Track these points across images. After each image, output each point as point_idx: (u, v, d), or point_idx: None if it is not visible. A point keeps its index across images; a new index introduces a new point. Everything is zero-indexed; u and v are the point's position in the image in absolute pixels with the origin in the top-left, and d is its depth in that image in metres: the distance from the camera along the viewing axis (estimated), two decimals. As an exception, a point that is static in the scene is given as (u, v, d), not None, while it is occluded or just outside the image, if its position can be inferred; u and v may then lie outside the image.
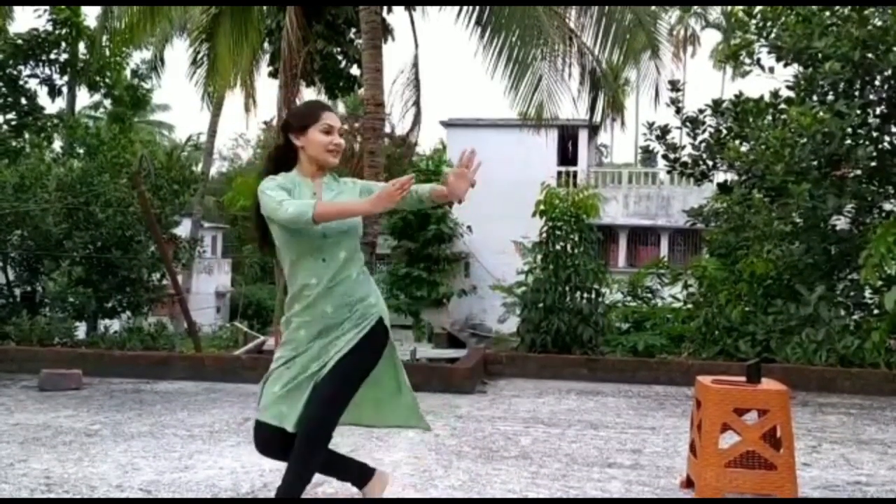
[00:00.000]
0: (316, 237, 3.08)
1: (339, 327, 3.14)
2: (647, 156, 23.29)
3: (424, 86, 12.15)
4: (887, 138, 9.21)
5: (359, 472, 3.49)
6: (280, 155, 3.27)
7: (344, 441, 4.89)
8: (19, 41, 17.99)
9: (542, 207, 9.76)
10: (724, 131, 10.12)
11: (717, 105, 10.20)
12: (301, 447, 3.13)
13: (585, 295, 9.60)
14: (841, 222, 9.48)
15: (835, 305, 8.59)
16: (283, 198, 3.02)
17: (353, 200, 3.18)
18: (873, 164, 8.82)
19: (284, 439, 3.14)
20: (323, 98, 12.55)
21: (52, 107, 19.60)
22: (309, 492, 3.76)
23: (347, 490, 3.80)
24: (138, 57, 21.67)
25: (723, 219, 10.50)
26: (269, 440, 3.18)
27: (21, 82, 18.39)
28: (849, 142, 8.66)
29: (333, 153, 3.20)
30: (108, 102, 22.86)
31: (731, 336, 8.91)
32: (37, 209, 10.46)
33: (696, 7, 39.80)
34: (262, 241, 3.30)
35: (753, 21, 9.47)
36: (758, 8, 9.45)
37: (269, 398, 3.14)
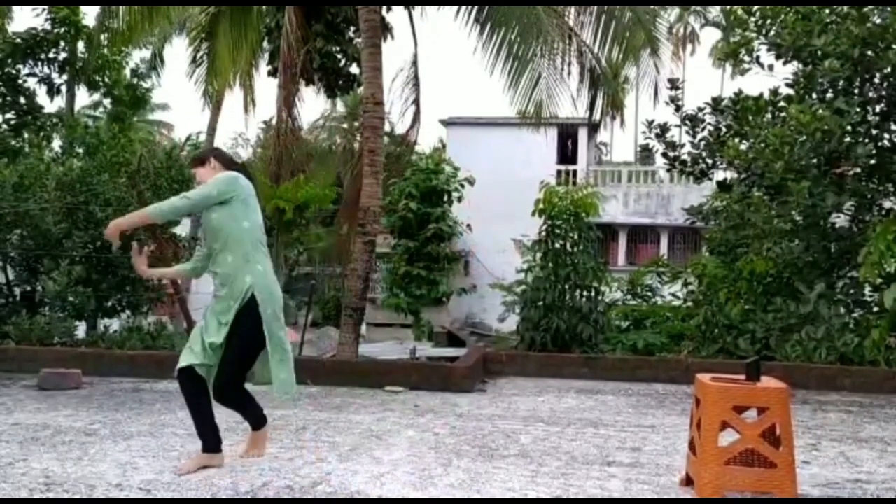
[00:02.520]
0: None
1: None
2: (647, 154, 23.28)
3: (424, 84, 12.13)
4: (887, 136, 9.21)
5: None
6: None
7: (345, 440, 4.90)
8: (18, 40, 17.95)
9: (541, 206, 9.76)
10: (724, 129, 10.12)
11: (716, 103, 10.20)
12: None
13: (585, 293, 9.60)
14: (840, 220, 9.48)
15: (834, 303, 8.59)
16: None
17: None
18: (873, 161, 8.82)
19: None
20: (322, 97, 12.55)
21: (51, 106, 19.58)
22: (308, 491, 3.77)
23: (347, 490, 3.80)
24: (137, 56, 21.65)
25: (722, 217, 10.50)
26: None
27: (20, 81, 18.36)
28: (848, 139, 8.66)
29: None
30: (107, 102, 22.83)
31: (731, 334, 8.92)
32: (36, 208, 10.46)
33: (695, 5, 39.76)
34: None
35: (753, 19, 9.47)
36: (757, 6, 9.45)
37: None
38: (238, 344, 4.02)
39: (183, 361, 4.03)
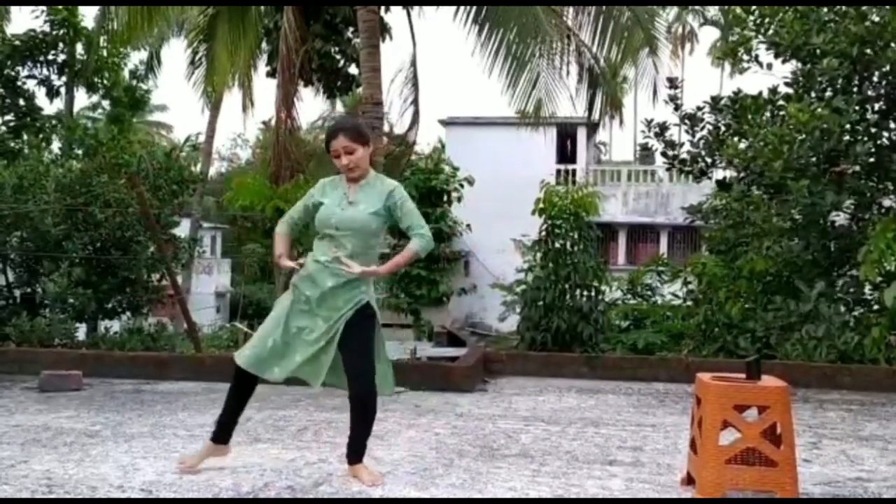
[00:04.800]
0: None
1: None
2: (646, 153, 23.27)
3: (423, 84, 12.14)
4: (886, 134, 9.20)
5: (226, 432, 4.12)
6: None
7: (346, 441, 4.89)
8: (17, 42, 17.96)
9: (541, 206, 9.76)
10: (723, 128, 10.11)
11: (715, 102, 10.20)
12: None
13: (585, 293, 9.60)
14: (840, 218, 9.48)
15: (834, 302, 8.59)
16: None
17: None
18: (872, 160, 8.82)
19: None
20: (321, 97, 12.55)
21: (50, 108, 19.59)
22: (309, 492, 3.77)
23: (348, 489, 3.80)
24: (136, 58, 21.67)
25: (722, 216, 10.50)
26: None
27: (19, 83, 18.37)
28: (847, 138, 8.66)
29: (347, 170, 3.95)
30: (106, 103, 22.84)
31: (731, 333, 8.92)
32: (36, 210, 10.45)
33: (694, 5, 39.77)
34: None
35: (751, 18, 9.47)
36: (755, 5, 9.46)
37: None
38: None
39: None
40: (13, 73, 18.15)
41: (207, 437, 4.18)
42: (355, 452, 3.97)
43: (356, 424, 3.99)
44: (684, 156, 10.62)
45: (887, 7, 8.51)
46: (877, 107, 9.12)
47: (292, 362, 3.89)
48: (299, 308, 3.93)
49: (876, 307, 8.61)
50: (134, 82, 21.83)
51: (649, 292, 11.95)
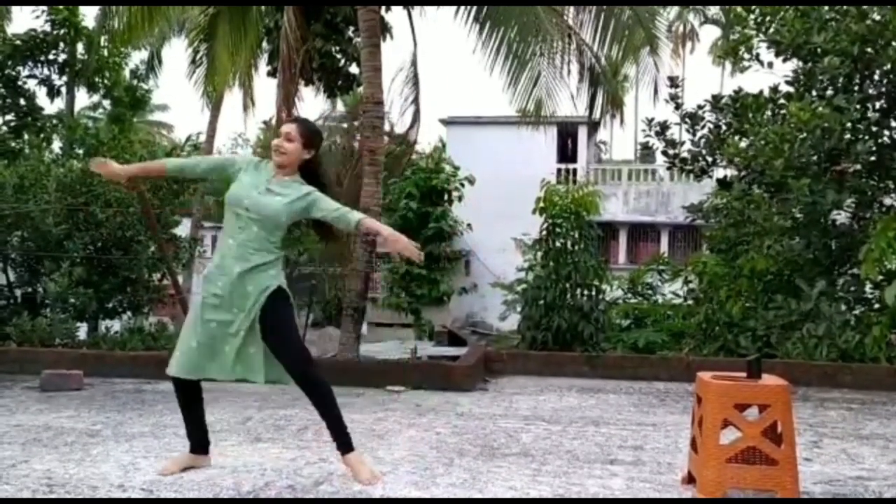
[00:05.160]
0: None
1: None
2: (647, 152, 23.30)
3: (423, 84, 12.14)
4: (887, 133, 9.20)
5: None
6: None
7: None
8: (17, 42, 17.96)
9: (541, 205, 9.76)
10: (724, 127, 10.12)
11: (716, 101, 10.20)
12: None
13: (586, 292, 9.60)
14: (841, 217, 9.48)
15: (835, 301, 8.59)
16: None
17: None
18: (873, 158, 8.81)
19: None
20: (322, 97, 12.54)
21: (51, 107, 19.60)
22: (310, 491, 3.77)
23: (349, 489, 3.80)
24: (137, 57, 21.67)
25: (723, 215, 10.50)
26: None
27: (20, 83, 18.37)
28: (848, 136, 8.65)
29: (275, 149, 4.01)
30: (107, 103, 22.84)
31: (732, 332, 8.92)
32: (37, 210, 10.46)
33: (694, 4, 39.73)
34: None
35: (752, 16, 9.47)
36: (756, 3, 9.45)
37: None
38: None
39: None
40: (14, 73, 18.14)
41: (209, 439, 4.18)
42: (343, 443, 3.97)
43: (323, 413, 4.01)
44: (685, 155, 10.63)
45: (888, 6, 8.51)
46: (878, 105, 9.12)
47: (225, 356, 3.88)
48: (210, 304, 3.90)
49: (877, 306, 8.61)
50: (135, 82, 21.82)
51: (650, 291, 11.95)
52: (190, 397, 4.03)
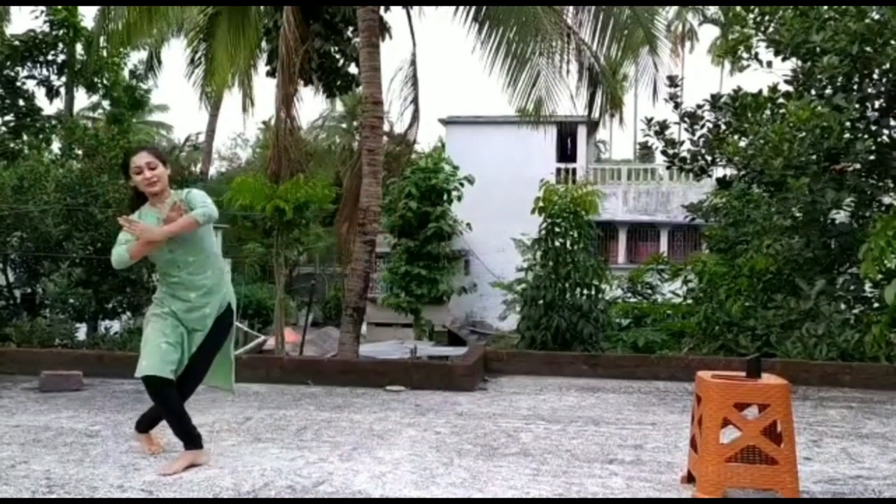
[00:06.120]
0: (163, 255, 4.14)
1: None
2: (646, 152, 23.27)
3: (422, 84, 12.13)
4: (886, 132, 9.20)
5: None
6: (135, 195, 4.26)
7: (346, 440, 4.90)
8: (16, 42, 17.97)
9: (541, 204, 9.76)
10: (723, 126, 10.12)
11: (715, 100, 10.20)
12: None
13: (585, 291, 9.61)
14: (840, 216, 9.48)
15: (835, 300, 8.59)
16: (120, 244, 4.13)
17: (149, 231, 4.04)
18: (872, 157, 8.81)
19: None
20: (321, 97, 12.53)
21: (50, 108, 19.61)
22: (309, 491, 3.77)
23: (349, 489, 3.80)
24: (136, 57, 21.68)
25: (722, 214, 10.51)
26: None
27: (19, 84, 18.37)
28: (847, 136, 8.65)
29: (148, 184, 4.11)
30: (106, 103, 22.84)
31: (732, 331, 8.92)
32: (36, 211, 10.46)
33: (693, 4, 39.75)
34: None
35: (751, 16, 9.47)
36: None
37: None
38: (213, 349, 4.31)
39: (163, 371, 4.08)
40: (13, 74, 18.16)
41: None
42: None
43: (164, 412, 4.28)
44: (684, 154, 10.63)
45: (887, 5, 8.51)
46: (877, 104, 9.12)
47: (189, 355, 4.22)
48: (169, 315, 4.18)
49: (876, 305, 8.61)
50: (134, 82, 21.83)
51: (650, 291, 11.97)
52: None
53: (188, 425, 4.16)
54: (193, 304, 4.17)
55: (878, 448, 4.90)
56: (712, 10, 42.49)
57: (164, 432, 4.50)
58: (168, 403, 4.15)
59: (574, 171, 25.55)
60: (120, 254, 4.10)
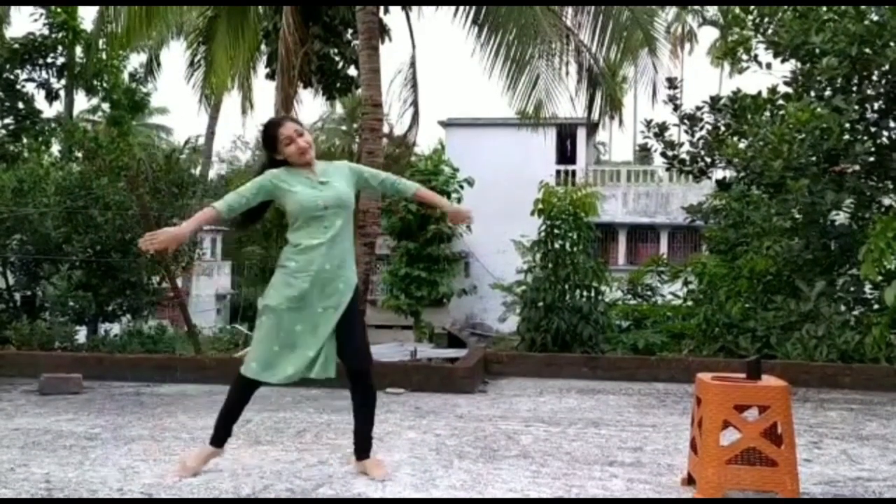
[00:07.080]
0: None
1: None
2: (646, 153, 23.28)
3: (422, 86, 12.14)
4: (885, 133, 9.21)
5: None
6: (270, 164, 4.12)
7: (346, 443, 4.89)
8: (16, 45, 17.98)
9: (540, 206, 9.76)
10: (722, 128, 10.12)
11: (714, 102, 10.21)
12: None
13: (585, 293, 9.60)
14: (840, 217, 9.48)
15: (835, 301, 8.59)
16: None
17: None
18: (872, 159, 8.82)
19: None
20: (320, 99, 12.54)
21: (49, 111, 19.63)
22: (309, 494, 3.77)
23: (349, 490, 3.80)
24: (135, 60, 21.71)
25: (722, 215, 10.51)
26: None
27: (18, 86, 18.39)
28: (847, 137, 8.65)
29: (301, 152, 3.99)
30: (106, 106, 22.85)
31: (732, 333, 8.91)
32: (36, 213, 10.46)
33: (693, 5, 39.78)
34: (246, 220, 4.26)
35: (750, 17, 9.48)
36: (754, 4, 9.46)
37: None
38: (355, 323, 4.06)
39: (262, 377, 3.95)
40: (12, 77, 18.17)
41: (207, 440, 4.17)
42: (363, 449, 4.08)
43: (365, 417, 4.08)
44: (684, 156, 10.63)
45: (886, 6, 8.51)
46: (876, 106, 9.12)
47: (304, 358, 3.91)
48: (292, 307, 3.91)
49: (876, 306, 8.61)
50: (133, 85, 21.84)
51: (649, 292, 11.97)
52: (249, 397, 4.07)
53: (231, 425, 4.10)
54: (329, 275, 3.91)
55: (878, 450, 4.90)
56: (711, 12, 42.51)
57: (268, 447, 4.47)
58: (240, 402, 4.04)
59: (574, 172, 25.55)
60: (232, 200, 3.96)
